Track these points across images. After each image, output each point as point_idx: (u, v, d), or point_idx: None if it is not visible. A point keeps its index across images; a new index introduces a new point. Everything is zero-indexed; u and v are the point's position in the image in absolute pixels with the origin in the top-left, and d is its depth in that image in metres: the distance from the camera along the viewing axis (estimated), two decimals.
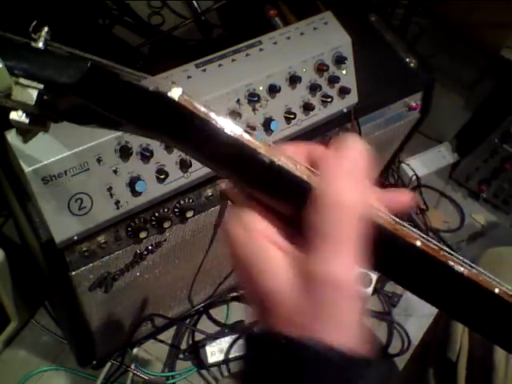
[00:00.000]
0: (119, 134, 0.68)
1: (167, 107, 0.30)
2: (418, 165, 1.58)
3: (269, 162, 0.31)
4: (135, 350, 1.14)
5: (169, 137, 0.31)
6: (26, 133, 0.34)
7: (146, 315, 1.07)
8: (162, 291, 1.00)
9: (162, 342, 1.17)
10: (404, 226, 0.32)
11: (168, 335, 1.17)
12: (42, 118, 0.32)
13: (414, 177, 1.54)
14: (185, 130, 0.31)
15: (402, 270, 0.33)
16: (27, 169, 0.62)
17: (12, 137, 0.63)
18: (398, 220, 0.32)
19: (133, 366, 1.11)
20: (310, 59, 0.81)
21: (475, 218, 1.55)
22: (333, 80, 0.83)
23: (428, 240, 0.32)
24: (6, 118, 0.61)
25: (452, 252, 0.33)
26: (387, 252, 0.32)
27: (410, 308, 1.32)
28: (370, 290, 1.14)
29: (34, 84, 0.30)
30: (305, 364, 0.30)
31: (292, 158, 0.32)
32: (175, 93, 0.30)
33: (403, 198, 0.36)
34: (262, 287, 0.31)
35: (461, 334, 0.72)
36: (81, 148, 0.65)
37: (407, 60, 0.98)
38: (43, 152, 0.63)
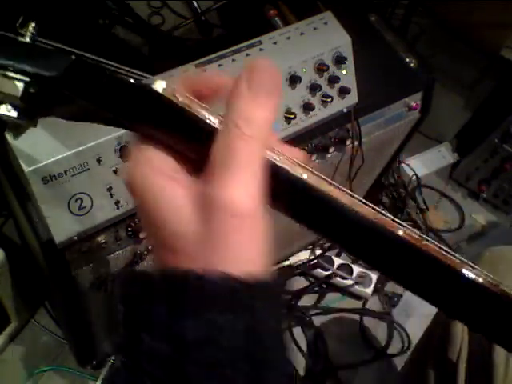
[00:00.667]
0: (119, 134, 0.68)
1: (150, 99, 0.31)
2: (418, 165, 1.58)
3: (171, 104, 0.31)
4: None
5: (153, 128, 0.32)
6: (15, 128, 0.34)
7: None
8: None
9: None
10: (293, 160, 0.32)
11: None
12: (29, 111, 0.32)
13: (414, 177, 1.54)
14: (169, 121, 0.31)
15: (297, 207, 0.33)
16: (27, 169, 0.62)
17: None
18: (297, 161, 0.32)
19: None
20: (310, 59, 0.81)
21: (475, 217, 1.55)
22: (333, 80, 0.83)
23: (316, 174, 0.32)
24: None
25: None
26: (284, 190, 0.32)
27: (410, 308, 1.32)
28: (370, 290, 1.15)
29: (20, 76, 0.30)
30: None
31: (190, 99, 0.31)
32: (159, 85, 0.31)
33: (298, 154, 0.35)
34: (162, 226, 0.30)
35: (461, 333, 0.72)
36: (81, 148, 0.65)
37: (407, 60, 0.98)
38: (43, 152, 0.63)
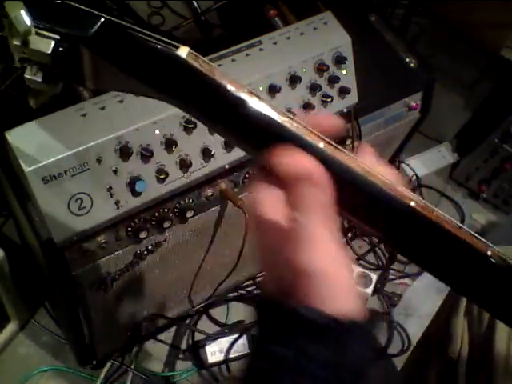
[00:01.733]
0: (119, 133, 0.68)
1: (175, 64, 0.32)
2: (418, 165, 1.58)
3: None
4: (135, 350, 1.14)
5: (175, 95, 0.33)
6: (37, 95, 0.35)
7: (146, 315, 1.07)
8: (162, 291, 1.01)
9: (161, 341, 1.17)
10: (309, 129, 0.33)
11: (168, 335, 1.17)
12: (53, 75, 0.33)
13: (414, 177, 1.54)
14: (192, 87, 0.32)
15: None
16: (27, 169, 0.62)
17: (12, 137, 0.63)
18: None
19: (133, 366, 1.11)
20: (310, 59, 0.81)
21: (475, 218, 1.55)
22: (333, 80, 0.83)
23: (333, 145, 0.34)
24: (6, 118, 0.61)
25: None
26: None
27: (410, 308, 1.32)
28: (370, 289, 1.15)
29: (51, 35, 0.32)
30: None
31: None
32: (183, 51, 0.32)
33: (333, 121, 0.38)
34: (302, 265, 0.33)
35: (461, 332, 0.72)
36: (81, 148, 0.65)
37: (407, 60, 0.98)
38: (43, 152, 0.63)
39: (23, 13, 0.31)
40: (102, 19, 0.32)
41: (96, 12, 0.33)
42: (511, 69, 1.46)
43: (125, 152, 0.68)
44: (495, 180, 1.52)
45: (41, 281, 1.04)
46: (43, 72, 0.33)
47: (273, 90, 0.77)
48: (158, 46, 0.32)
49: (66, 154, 0.64)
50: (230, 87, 0.32)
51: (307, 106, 0.82)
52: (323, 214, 0.33)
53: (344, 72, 0.84)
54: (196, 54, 0.33)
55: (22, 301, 1.08)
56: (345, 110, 0.88)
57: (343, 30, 0.84)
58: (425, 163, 1.59)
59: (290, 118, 0.33)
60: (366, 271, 1.31)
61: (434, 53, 1.61)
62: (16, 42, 0.32)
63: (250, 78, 0.76)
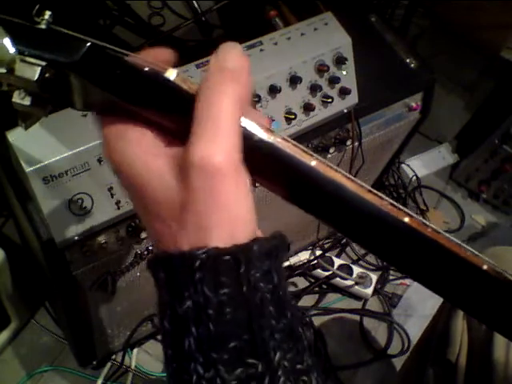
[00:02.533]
0: None
1: (163, 86, 0.32)
2: (418, 165, 1.58)
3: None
4: (135, 350, 1.14)
5: (165, 116, 0.33)
6: (26, 118, 0.35)
7: (146, 315, 1.07)
8: None
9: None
10: (297, 145, 0.33)
11: None
12: (42, 99, 0.33)
13: (414, 177, 1.55)
14: (179, 107, 0.32)
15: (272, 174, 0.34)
16: (28, 169, 0.63)
17: (13, 137, 0.63)
18: (291, 141, 0.33)
19: (133, 366, 1.11)
20: (310, 60, 0.81)
21: (475, 218, 1.55)
22: (333, 80, 0.83)
23: (321, 160, 0.33)
24: (6, 117, 0.61)
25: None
26: (284, 170, 0.33)
27: (410, 308, 1.32)
28: (370, 290, 1.15)
29: (37, 61, 0.31)
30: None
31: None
32: (171, 73, 0.32)
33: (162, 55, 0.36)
34: (147, 197, 0.31)
35: (460, 334, 0.72)
36: (82, 148, 0.65)
37: (407, 60, 0.98)
38: (44, 152, 0.63)
39: (6, 41, 0.31)
40: (89, 43, 0.32)
41: (82, 36, 0.33)
42: (511, 69, 1.46)
43: None
44: (495, 181, 1.52)
45: (41, 281, 1.04)
46: (31, 96, 0.33)
47: (273, 91, 0.78)
48: (146, 69, 0.32)
49: (66, 154, 0.64)
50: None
51: (307, 107, 0.82)
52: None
53: (344, 72, 0.84)
54: (184, 76, 0.33)
55: (21, 301, 1.08)
56: (345, 111, 0.88)
57: (344, 31, 0.84)
58: (425, 164, 1.60)
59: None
60: (366, 271, 1.31)
61: (434, 53, 1.61)
62: (1, 70, 0.32)
63: None
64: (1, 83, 0.33)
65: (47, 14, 0.33)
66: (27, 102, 0.33)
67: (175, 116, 0.33)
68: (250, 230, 0.31)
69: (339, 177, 0.33)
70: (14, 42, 0.31)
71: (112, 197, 0.70)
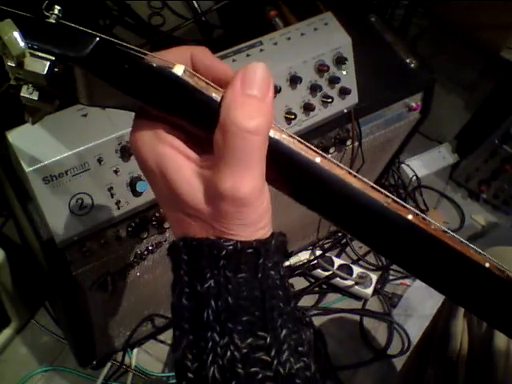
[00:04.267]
0: (120, 134, 0.68)
1: (170, 82, 0.33)
2: (418, 165, 1.58)
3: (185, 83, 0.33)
4: (135, 350, 1.14)
5: (170, 111, 0.34)
6: (34, 112, 0.35)
7: (146, 315, 1.07)
8: (163, 291, 1.01)
9: (162, 342, 1.17)
10: (302, 141, 0.34)
11: (168, 335, 1.18)
12: (50, 94, 0.33)
13: (414, 177, 1.55)
14: (185, 103, 0.33)
15: (303, 188, 0.35)
16: (28, 169, 0.63)
17: (13, 137, 0.63)
18: (297, 137, 0.34)
19: (133, 366, 1.12)
20: (310, 60, 0.81)
21: (475, 218, 1.55)
22: (333, 80, 0.83)
23: (325, 157, 0.34)
24: (6, 117, 0.61)
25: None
26: (288, 166, 0.35)
27: (410, 308, 1.32)
28: (370, 290, 1.15)
29: (46, 56, 0.32)
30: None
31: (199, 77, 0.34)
32: (179, 69, 0.33)
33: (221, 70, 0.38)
34: (176, 195, 0.34)
35: (460, 333, 0.72)
36: (81, 148, 0.65)
37: (407, 60, 0.98)
38: (44, 152, 0.63)
39: (16, 35, 0.31)
40: (97, 38, 0.32)
41: (90, 31, 0.33)
42: (511, 69, 1.46)
43: (125, 152, 0.68)
44: (495, 181, 1.52)
45: (41, 281, 1.04)
46: (39, 91, 0.33)
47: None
48: (154, 64, 0.33)
49: (66, 154, 0.64)
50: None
51: (307, 107, 0.82)
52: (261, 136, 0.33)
53: (344, 72, 0.84)
54: (191, 71, 0.33)
55: (22, 301, 1.08)
56: (345, 111, 0.88)
57: (343, 31, 0.84)
58: (425, 164, 1.60)
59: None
60: (366, 271, 1.31)
61: (434, 53, 1.61)
62: (10, 64, 0.32)
63: None
64: (9, 77, 0.33)
65: (57, 8, 0.34)
66: (35, 96, 0.33)
67: (183, 112, 0.33)
68: (268, 230, 0.35)
69: (343, 173, 0.34)
70: (24, 35, 0.31)
71: (112, 197, 0.70)
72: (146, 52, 0.34)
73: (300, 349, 0.33)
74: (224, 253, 0.33)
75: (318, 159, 0.34)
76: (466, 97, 1.68)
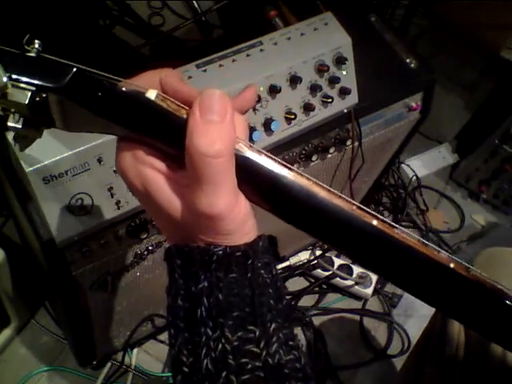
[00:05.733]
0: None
1: (144, 106, 0.35)
2: (418, 165, 1.58)
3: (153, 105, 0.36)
4: (135, 350, 1.14)
5: (150, 135, 0.36)
6: (21, 139, 0.38)
7: (146, 315, 1.07)
8: (163, 291, 1.00)
9: (162, 342, 1.17)
10: (267, 155, 0.36)
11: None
12: (34, 121, 0.36)
13: (414, 177, 1.55)
14: (160, 125, 0.36)
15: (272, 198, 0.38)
16: (28, 169, 0.63)
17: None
18: (264, 152, 0.37)
19: (133, 366, 1.12)
20: (310, 60, 0.81)
21: (475, 218, 1.55)
22: (333, 80, 0.83)
23: (293, 169, 0.37)
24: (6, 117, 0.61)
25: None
26: (258, 181, 0.37)
27: (410, 309, 1.32)
28: (370, 290, 1.15)
29: (28, 86, 0.34)
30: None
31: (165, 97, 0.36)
32: (152, 93, 0.35)
33: (248, 93, 0.41)
34: (161, 211, 0.37)
35: (457, 332, 0.72)
36: (81, 148, 0.65)
37: (407, 60, 0.98)
38: (44, 152, 0.63)
39: None
40: (74, 69, 0.35)
41: (68, 62, 0.35)
42: (511, 69, 1.46)
43: None
44: (495, 181, 1.52)
45: (41, 281, 1.04)
46: (24, 119, 0.35)
47: (273, 91, 0.78)
48: (128, 90, 0.35)
49: (66, 154, 0.64)
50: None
51: (307, 107, 0.82)
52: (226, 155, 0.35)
53: (344, 72, 0.84)
54: (163, 95, 0.36)
55: (22, 301, 1.08)
56: (345, 111, 0.88)
57: (343, 31, 0.84)
58: (425, 164, 1.60)
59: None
60: (366, 271, 1.31)
61: (434, 53, 1.61)
62: None
63: (250, 79, 0.76)
64: None
65: (37, 42, 0.36)
66: (20, 124, 0.35)
67: (157, 134, 0.36)
68: (253, 234, 0.38)
69: (310, 184, 0.36)
70: (5, 69, 0.33)
71: (112, 197, 0.70)
72: (119, 79, 0.36)
73: (290, 343, 0.36)
74: (215, 258, 0.35)
75: (285, 171, 0.36)
76: (466, 97, 1.68)
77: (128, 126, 0.36)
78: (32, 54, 0.36)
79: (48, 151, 0.64)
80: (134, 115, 0.36)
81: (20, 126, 0.35)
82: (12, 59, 0.34)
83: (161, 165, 0.37)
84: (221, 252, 0.35)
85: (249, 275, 0.36)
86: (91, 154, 0.66)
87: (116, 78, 0.36)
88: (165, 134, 0.36)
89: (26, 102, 0.33)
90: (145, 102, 0.35)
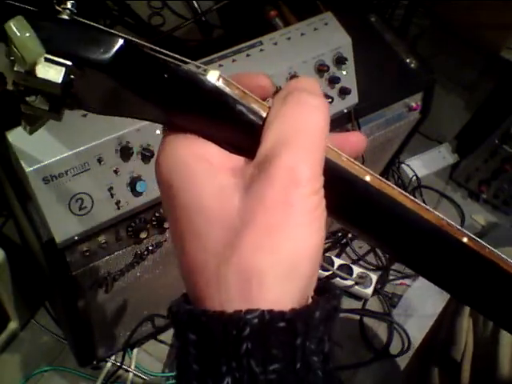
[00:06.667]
0: (120, 134, 0.68)
1: (204, 89, 0.28)
2: (418, 165, 1.58)
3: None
4: (135, 350, 1.14)
5: (202, 122, 0.29)
6: (34, 121, 0.30)
7: (146, 315, 1.07)
8: (163, 291, 1.00)
9: (161, 342, 1.17)
10: (354, 162, 0.30)
11: (168, 335, 1.17)
12: (58, 101, 0.28)
13: (414, 177, 1.54)
14: (221, 112, 0.29)
15: (353, 208, 0.31)
16: (28, 169, 0.63)
17: (13, 137, 0.63)
18: (349, 158, 0.30)
19: (133, 366, 1.11)
20: (310, 60, 0.81)
21: (475, 218, 1.55)
22: (333, 80, 0.83)
23: (378, 178, 0.31)
24: (6, 117, 0.61)
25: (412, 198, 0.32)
26: (338, 186, 0.30)
27: (410, 308, 1.32)
28: (370, 290, 1.15)
29: (62, 60, 0.27)
30: None
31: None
32: (212, 76, 0.29)
33: (353, 138, 0.32)
34: (197, 220, 0.26)
35: (465, 333, 0.72)
36: (81, 148, 0.65)
37: (407, 60, 0.98)
38: (44, 152, 0.63)
39: (33, 36, 0.26)
40: (121, 40, 0.28)
41: (112, 31, 0.28)
42: (511, 69, 1.46)
43: (125, 152, 0.68)
44: (495, 181, 1.52)
45: (41, 281, 1.04)
46: (49, 99, 0.28)
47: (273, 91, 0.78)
48: (185, 69, 0.28)
49: (66, 154, 0.64)
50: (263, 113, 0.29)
51: None
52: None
53: (344, 72, 0.84)
54: (227, 78, 0.29)
55: (22, 301, 1.08)
56: (345, 111, 0.88)
57: (343, 31, 0.84)
58: (425, 164, 1.60)
59: None
60: (366, 271, 1.31)
61: (434, 53, 1.61)
62: (18, 69, 0.27)
63: None
64: (5, 81, 0.28)
65: (70, 2, 0.29)
66: (45, 106, 0.28)
67: (220, 122, 0.29)
68: (313, 272, 0.26)
69: (396, 193, 0.30)
70: (38, 35, 0.26)
71: (112, 197, 0.70)
72: (179, 57, 0.29)
73: None
74: (247, 332, 0.22)
75: (367, 177, 0.30)
76: (466, 97, 1.68)
77: (186, 111, 0.28)
78: (65, 17, 0.28)
79: (48, 151, 0.64)
80: (192, 99, 0.28)
81: (46, 108, 0.28)
82: (42, 23, 0.27)
83: (217, 152, 0.28)
84: (256, 320, 0.22)
85: (298, 366, 0.23)
86: (91, 154, 0.66)
87: (172, 54, 0.29)
88: (230, 121, 0.28)
89: (60, 80, 0.26)
90: (204, 85, 0.28)
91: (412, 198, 0.31)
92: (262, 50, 0.79)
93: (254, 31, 0.82)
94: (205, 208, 0.25)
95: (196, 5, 1.18)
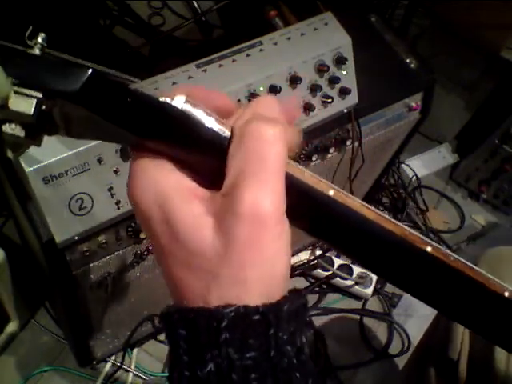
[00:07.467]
0: None
1: (170, 115, 0.30)
2: (418, 165, 1.58)
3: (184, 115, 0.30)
4: (135, 350, 1.14)
5: (171, 145, 0.31)
6: (16, 148, 0.32)
7: (146, 315, 1.07)
8: (163, 291, 1.00)
9: (161, 342, 1.17)
10: (318, 178, 0.32)
11: None
12: (37, 130, 0.30)
13: (414, 177, 1.55)
14: (189, 136, 0.30)
15: (316, 220, 0.34)
16: (28, 169, 0.63)
17: None
18: (306, 170, 0.32)
19: (133, 367, 1.12)
20: (310, 60, 0.81)
21: (475, 218, 1.55)
22: (333, 80, 0.83)
23: (339, 191, 0.32)
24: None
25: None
26: (302, 201, 0.32)
27: (410, 308, 1.32)
28: (370, 290, 1.15)
29: (33, 93, 0.28)
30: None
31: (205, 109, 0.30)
32: (178, 101, 0.30)
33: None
34: (178, 241, 0.28)
35: (461, 333, 0.72)
36: (81, 148, 0.65)
37: (407, 60, 0.98)
38: (44, 152, 0.63)
39: (1, 72, 0.27)
40: (90, 70, 0.29)
41: (80, 61, 0.30)
42: (511, 69, 1.46)
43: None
44: (495, 181, 1.52)
45: (41, 281, 1.04)
46: (25, 128, 0.29)
47: (273, 91, 0.78)
48: (155, 95, 0.30)
49: (66, 154, 0.64)
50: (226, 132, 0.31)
51: (307, 107, 0.82)
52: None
53: (344, 72, 0.84)
54: (194, 101, 0.30)
55: (22, 301, 1.08)
56: (345, 111, 0.88)
57: (343, 31, 0.84)
58: (425, 164, 1.60)
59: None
60: (366, 271, 1.31)
61: (434, 53, 1.61)
62: None
63: (250, 79, 0.76)
64: None
65: (41, 36, 0.30)
66: (21, 133, 0.29)
67: (186, 147, 0.30)
68: (285, 287, 0.30)
69: (359, 206, 0.32)
70: (7, 71, 0.27)
71: (112, 197, 0.70)
72: (134, 79, 0.30)
73: None
74: (225, 323, 0.26)
75: (331, 192, 0.31)
76: (465, 97, 1.68)
77: (151, 136, 0.30)
78: (36, 51, 0.30)
79: (48, 151, 0.64)
80: (160, 123, 0.30)
81: (22, 135, 0.29)
82: (12, 58, 0.28)
83: (189, 182, 0.30)
84: (233, 314, 0.26)
85: (272, 354, 0.27)
86: (91, 154, 0.66)
87: (132, 78, 0.31)
88: (197, 142, 0.30)
89: (31, 112, 0.28)
90: (174, 109, 0.30)
91: (375, 210, 0.32)
92: (261, 50, 0.79)
93: (254, 31, 0.82)
94: (185, 242, 0.28)
95: (196, 5, 1.18)
